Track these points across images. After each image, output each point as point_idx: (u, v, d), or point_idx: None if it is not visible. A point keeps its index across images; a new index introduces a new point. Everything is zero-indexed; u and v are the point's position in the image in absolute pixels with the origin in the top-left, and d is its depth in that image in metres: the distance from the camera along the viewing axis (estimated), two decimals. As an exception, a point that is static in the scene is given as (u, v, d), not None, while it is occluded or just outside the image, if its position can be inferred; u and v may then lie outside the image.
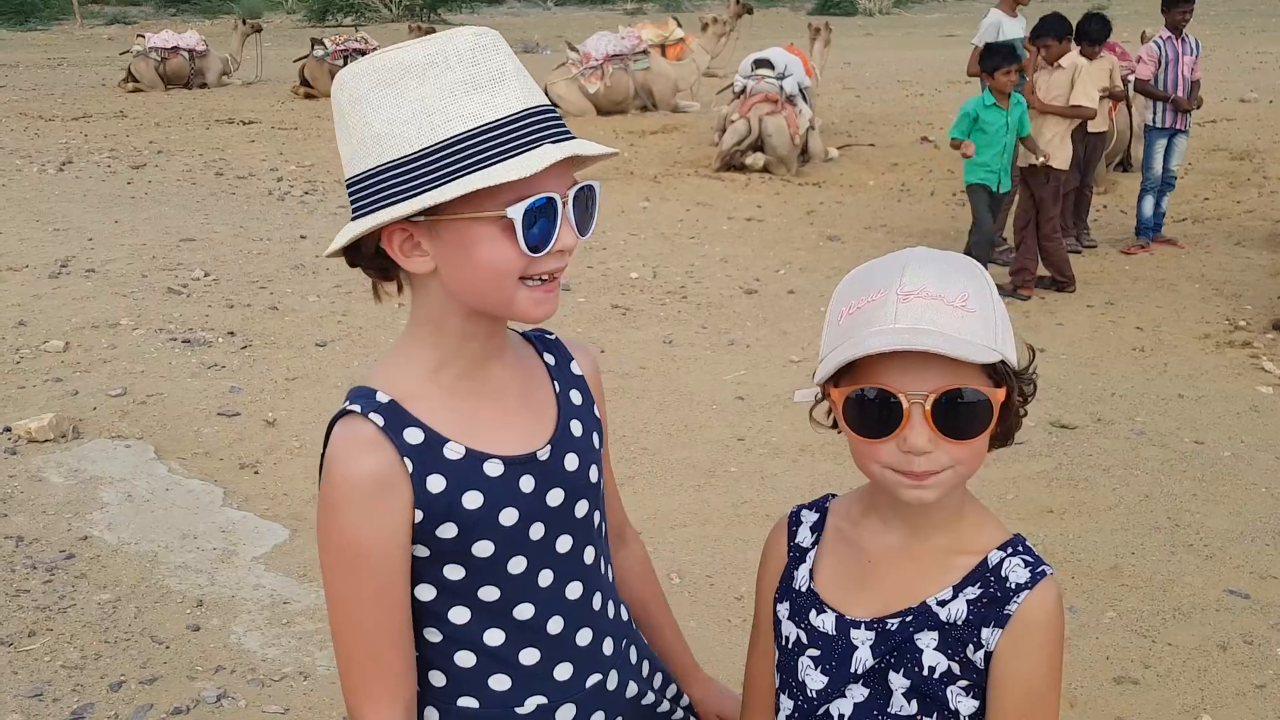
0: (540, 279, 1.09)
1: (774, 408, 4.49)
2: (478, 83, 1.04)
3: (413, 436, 1.08)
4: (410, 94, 1.03)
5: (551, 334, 1.28)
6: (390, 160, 1.04)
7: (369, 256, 1.10)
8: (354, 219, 1.08)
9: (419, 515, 1.08)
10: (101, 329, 5.42)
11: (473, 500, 1.10)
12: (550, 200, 1.06)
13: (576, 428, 1.22)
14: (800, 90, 10.19)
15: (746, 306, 5.92)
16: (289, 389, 4.72)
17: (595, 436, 1.25)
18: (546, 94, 10.57)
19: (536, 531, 1.15)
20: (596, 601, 1.23)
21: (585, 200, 1.12)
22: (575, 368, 1.27)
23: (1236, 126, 11.15)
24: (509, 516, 1.12)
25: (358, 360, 5.03)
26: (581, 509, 1.21)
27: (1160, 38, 6.91)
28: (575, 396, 1.25)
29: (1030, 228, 6.21)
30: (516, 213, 1.04)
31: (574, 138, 1.09)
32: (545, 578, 1.17)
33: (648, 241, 7.39)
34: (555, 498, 1.17)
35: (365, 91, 1.05)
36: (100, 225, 7.58)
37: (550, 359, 1.25)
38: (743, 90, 10.07)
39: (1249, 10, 29.47)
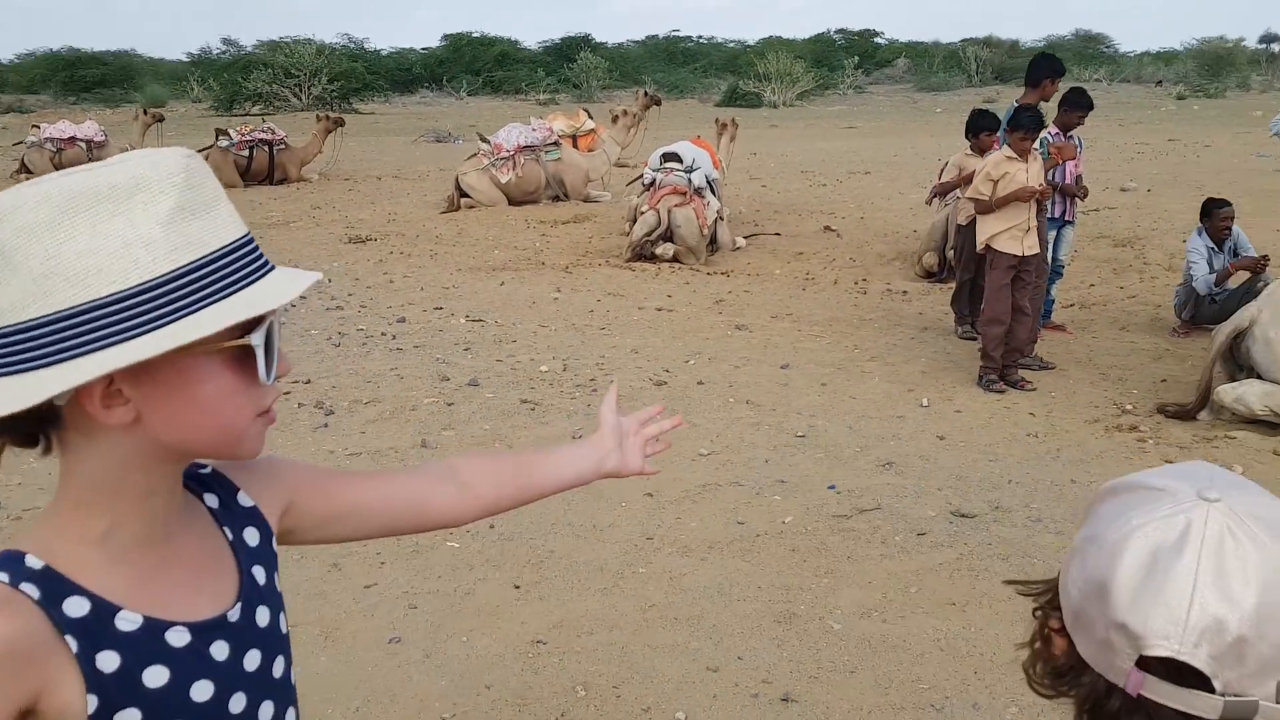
0: (266, 410, 1.00)
1: (683, 504, 4.51)
2: (196, 208, 0.93)
3: (76, 608, 0.93)
4: (117, 221, 0.89)
5: (205, 466, 1.11)
6: (97, 299, 0.88)
7: (15, 419, 0.90)
8: (21, 371, 0.89)
9: (93, 702, 0.92)
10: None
11: (156, 677, 0.95)
12: (273, 324, 0.98)
13: (260, 574, 1.09)
14: (708, 182, 10.47)
15: (656, 398, 5.96)
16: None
17: (276, 578, 1.13)
18: (458, 184, 10.63)
19: (238, 704, 1.03)
20: None
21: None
22: (244, 499, 1.12)
23: (1118, 214, 11.69)
24: (203, 691, 0.99)
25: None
26: (279, 667, 1.09)
27: (1050, 133, 7.23)
28: (251, 535, 1.11)
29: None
30: (259, 339, 0.95)
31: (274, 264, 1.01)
32: None
33: (558, 333, 7.43)
34: (253, 661, 1.05)
35: (48, 219, 0.89)
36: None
37: (213, 499, 1.10)
38: (652, 182, 10.29)
39: (1126, 103, 31.16)
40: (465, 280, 9.28)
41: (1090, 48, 48.64)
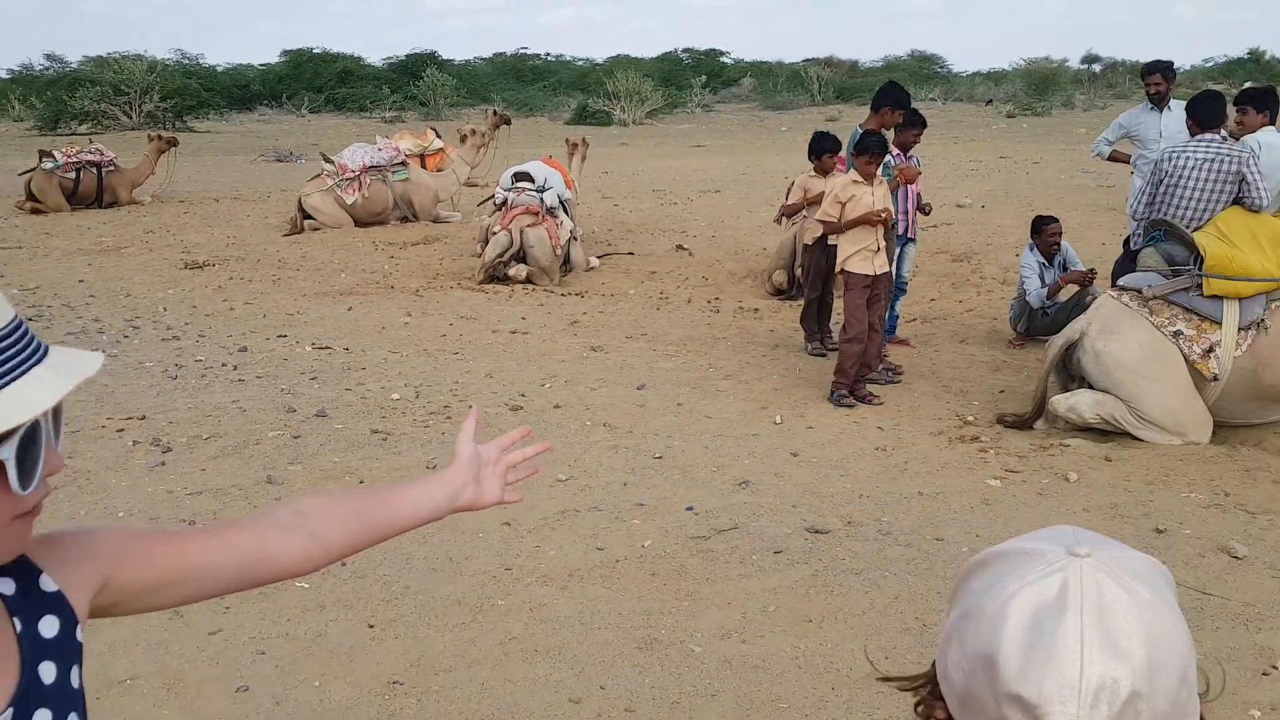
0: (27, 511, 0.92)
1: (542, 531, 4.45)
2: None
3: None
4: None
5: None
6: None
7: None
8: None
9: None
10: None
11: None
12: (37, 423, 0.88)
13: (49, 671, 0.99)
14: (560, 202, 10.46)
15: (512, 424, 5.88)
16: None
17: (76, 672, 1.03)
18: (301, 206, 10.25)
19: None
20: None
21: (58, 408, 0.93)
22: (47, 583, 1.01)
23: (955, 230, 12.19)
24: None
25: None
26: None
27: (892, 154, 7.47)
28: (48, 626, 1.00)
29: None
30: (9, 453, 0.86)
31: (47, 347, 0.91)
32: None
33: (410, 359, 7.26)
34: None
35: None
36: None
37: (8, 585, 0.99)
38: (504, 202, 10.21)
39: (960, 121, 32.61)
40: (310, 306, 9.00)
41: (926, 68, 50.82)
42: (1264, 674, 3.35)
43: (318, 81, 40.73)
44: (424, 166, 14.58)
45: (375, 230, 12.59)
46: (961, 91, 45.01)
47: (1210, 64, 54.93)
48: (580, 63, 49.25)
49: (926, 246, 10.76)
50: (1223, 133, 6.08)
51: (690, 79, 42.67)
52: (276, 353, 7.42)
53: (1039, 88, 42.31)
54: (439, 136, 15.91)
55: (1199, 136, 5.96)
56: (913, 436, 5.75)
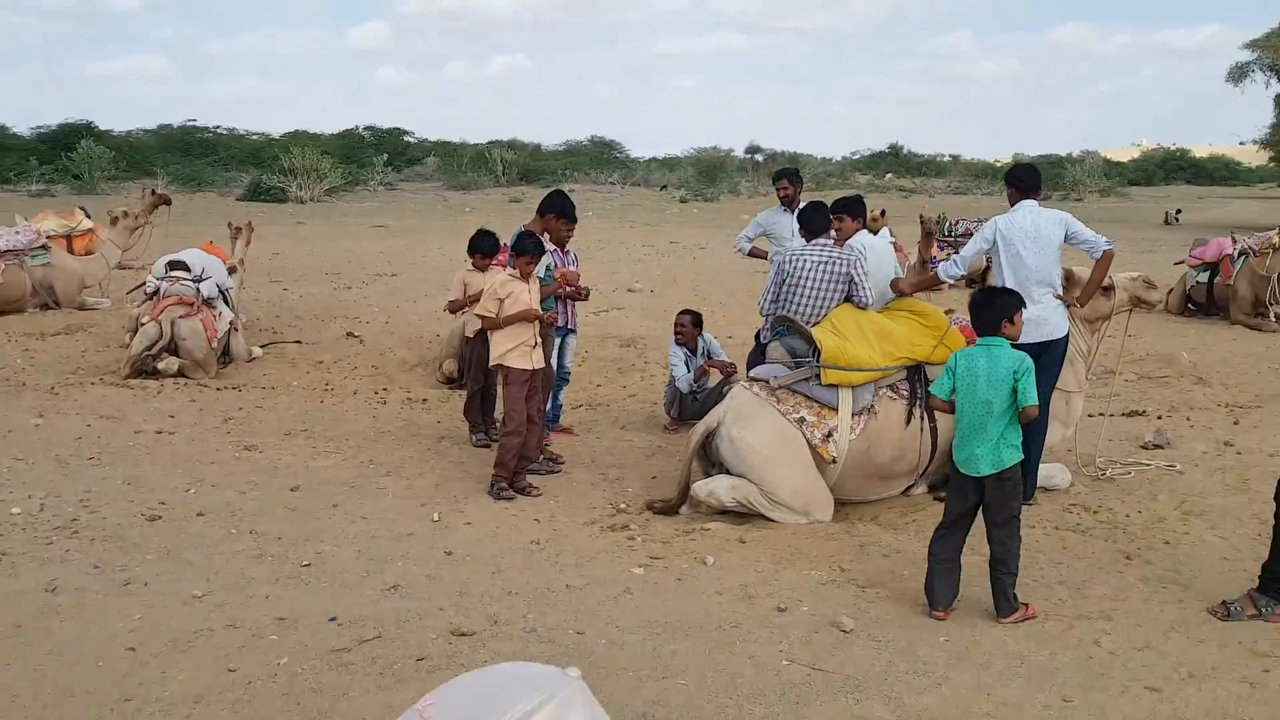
0: None
1: (170, 655, 4.19)
2: None
3: None
4: None
5: None
6: None
7: None
8: None
9: None
10: None
11: None
12: None
13: None
14: (221, 291, 10.03)
15: (148, 536, 5.52)
16: None
17: None
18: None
19: None
20: None
21: None
22: None
23: (625, 315, 12.77)
24: None
25: None
26: None
27: (550, 251, 7.73)
28: None
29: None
30: None
31: None
32: None
33: (37, 467, 6.65)
34: None
35: None
36: None
37: None
38: (156, 291, 9.66)
39: (638, 206, 34.32)
40: (-78, 408, 8.06)
41: (605, 153, 53.18)
42: (857, 741, 3.69)
43: (-47, 152, 36.85)
44: (71, 249, 13.53)
45: (9, 320, 11.50)
46: (639, 176, 47.38)
47: (857, 156, 61.20)
48: (255, 137, 47.44)
49: (596, 332, 11.20)
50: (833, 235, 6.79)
51: (372, 157, 42.19)
52: None
53: (708, 174, 45.36)
54: (89, 216, 14.85)
55: (814, 242, 6.63)
56: (567, 528, 5.92)
